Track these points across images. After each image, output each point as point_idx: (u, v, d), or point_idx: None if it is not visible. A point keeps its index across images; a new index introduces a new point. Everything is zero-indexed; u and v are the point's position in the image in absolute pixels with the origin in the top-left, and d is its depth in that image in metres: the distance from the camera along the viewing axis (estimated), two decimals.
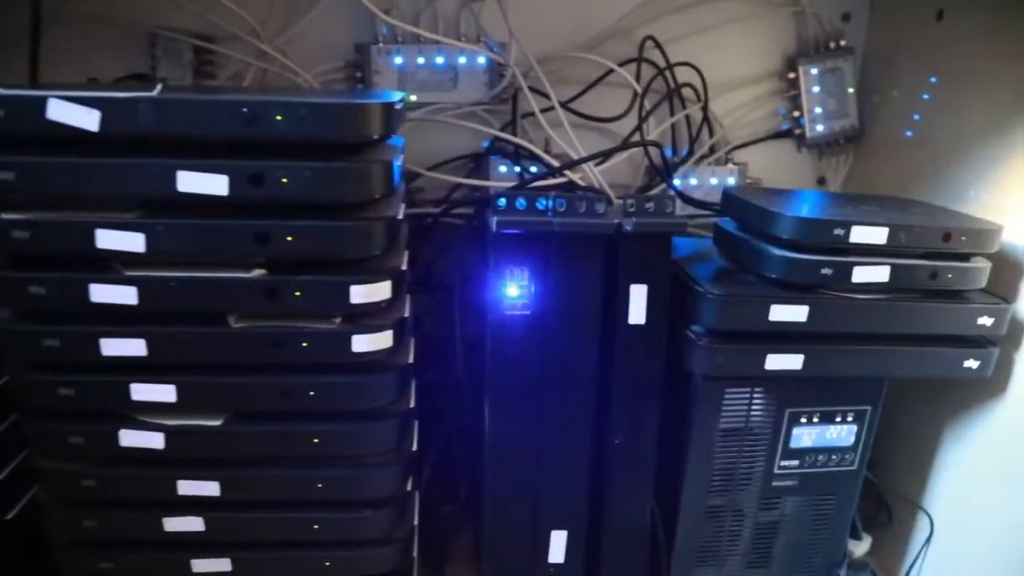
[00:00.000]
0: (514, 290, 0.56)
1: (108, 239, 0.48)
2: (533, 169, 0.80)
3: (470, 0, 0.78)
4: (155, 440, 0.54)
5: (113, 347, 0.51)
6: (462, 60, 0.81)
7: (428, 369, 0.66)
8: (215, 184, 0.47)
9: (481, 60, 0.81)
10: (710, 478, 0.65)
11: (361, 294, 0.51)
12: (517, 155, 0.81)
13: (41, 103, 0.46)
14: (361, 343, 0.53)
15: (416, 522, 0.63)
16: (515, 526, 0.63)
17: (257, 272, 0.51)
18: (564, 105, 0.78)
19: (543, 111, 0.79)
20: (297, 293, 0.50)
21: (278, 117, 0.46)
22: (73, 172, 0.47)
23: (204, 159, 0.47)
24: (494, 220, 0.54)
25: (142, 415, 0.54)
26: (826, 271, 0.58)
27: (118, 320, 0.51)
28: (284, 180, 0.48)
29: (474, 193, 0.83)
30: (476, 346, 0.64)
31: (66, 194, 0.48)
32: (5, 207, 0.49)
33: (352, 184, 0.49)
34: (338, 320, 0.53)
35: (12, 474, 0.61)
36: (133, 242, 0.49)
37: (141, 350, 0.52)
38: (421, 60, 0.81)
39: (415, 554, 0.64)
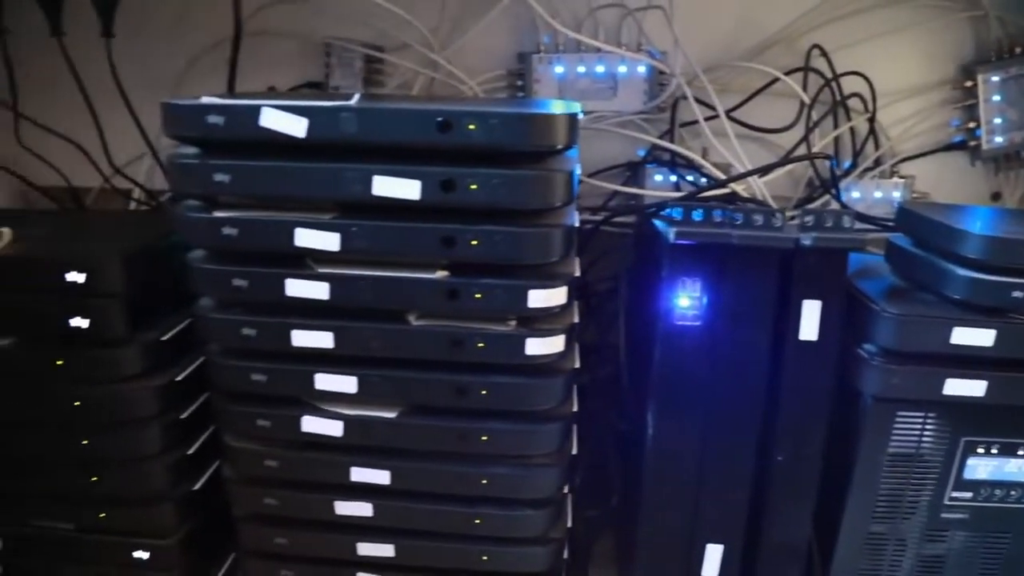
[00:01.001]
0: (686, 301, 0.56)
1: (306, 237, 0.52)
2: (691, 179, 0.80)
3: (633, 9, 0.79)
4: (334, 428, 0.57)
5: (303, 338, 0.55)
6: (622, 69, 0.82)
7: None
8: (408, 189, 0.50)
9: (641, 69, 0.82)
10: (874, 504, 0.62)
11: (539, 299, 0.52)
12: (674, 164, 0.81)
13: (255, 112, 0.49)
14: (535, 346, 0.54)
15: (570, 524, 0.64)
16: (670, 537, 0.62)
17: (440, 273, 0.53)
18: (729, 115, 0.77)
19: (692, 123, 0.79)
20: (477, 295, 0.52)
21: (471, 126, 0.48)
22: (280, 175, 0.51)
23: (399, 164, 0.50)
24: (672, 231, 0.54)
25: (324, 403, 0.58)
26: (1018, 294, 0.55)
27: (309, 313, 0.55)
28: (473, 186, 0.49)
29: (628, 202, 0.84)
30: (633, 353, 0.64)
31: (272, 195, 0.52)
32: (217, 206, 0.53)
33: (537, 191, 0.50)
34: (513, 323, 0.54)
35: (199, 449, 0.66)
36: (329, 241, 0.52)
37: (328, 342, 0.55)
38: (581, 69, 0.82)
39: (565, 555, 0.65)
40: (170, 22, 0.86)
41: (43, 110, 0.79)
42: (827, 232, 0.54)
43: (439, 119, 0.48)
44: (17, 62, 0.76)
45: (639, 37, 0.81)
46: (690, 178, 0.81)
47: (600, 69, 0.82)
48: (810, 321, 0.57)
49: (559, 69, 0.82)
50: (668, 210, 0.61)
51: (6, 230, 0.61)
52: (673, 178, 0.82)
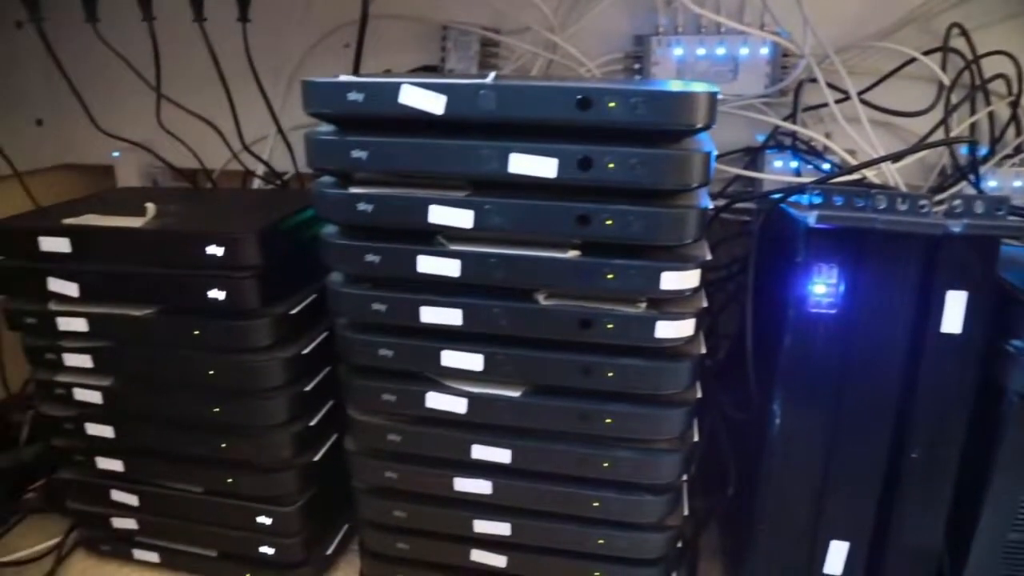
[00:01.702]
0: (821, 288, 0.54)
1: (440, 214, 0.52)
2: (812, 165, 0.77)
3: None
4: (458, 405, 0.58)
5: (432, 315, 0.55)
6: (744, 51, 0.80)
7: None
8: (545, 166, 0.50)
9: (764, 51, 0.79)
10: (1015, 510, 0.59)
11: (672, 281, 0.51)
12: (795, 149, 0.79)
13: (395, 89, 0.50)
14: (665, 329, 0.53)
15: (686, 512, 0.63)
16: (791, 531, 0.61)
17: (572, 253, 0.52)
18: (861, 97, 0.74)
19: (822, 106, 0.76)
20: (609, 276, 0.52)
21: (611, 104, 0.48)
22: (417, 152, 0.51)
23: (536, 142, 0.49)
24: (813, 214, 0.52)
25: (449, 380, 0.58)
26: None
27: (438, 290, 0.55)
28: (611, 165, 0.49)
29: (746, 188, 0.82)
30: (759, 342, 0.63)
31: (408, 171, 0.52)
32: (351, 182, 0.54)
33: (676, 171, 0.49)
34: (643, 305, 0.54)
35: (320, 421, 0.68)
36: (463, 218, 0.52)
37: (457, 319, 0.55)
38: (701, 51, 0.80)
39: (679, 544, 0.64)
40: (295, 8, 0.88)
41: (179, 94, 0.82)
42: (980, 219, 0.52)
43: (579, 97, 0.48)
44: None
45: (763, 17, 0.79)
46: (811, 164, 0.78)
47: (721, 51, 0.80)
48: (954, 313, 0.54)
49: (678, 51, 0.81)
50: (799, 195, 0.59)
51: (150, 205, 0.64)
52: (794, 164, 0.80)
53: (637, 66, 0.82)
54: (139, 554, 0.74)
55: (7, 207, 0.74)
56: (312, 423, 0.67)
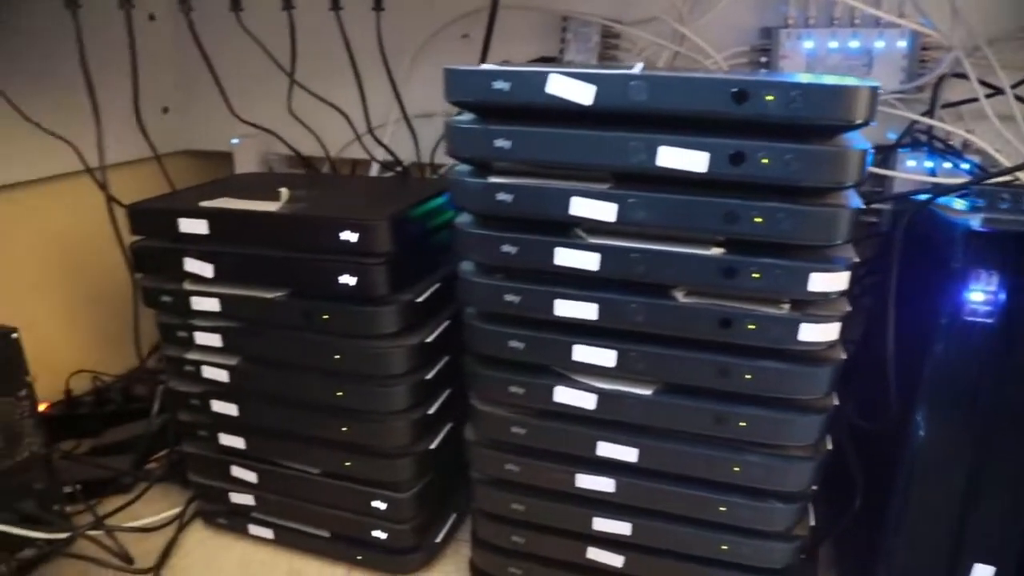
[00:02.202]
0: (979, 296, 0.51)
1: (582, 207, 0.51)
2: (948, 165, 0.74)
3: None
4: (587, 401, 0.57)
5: (566, 308, 0.55)
6: (879, 44, 0.76)
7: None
8: (695, 160, 0.48)
9: (901, 43, 0.76)
10: None
11: (821, 282, 0.49)
12: (931, 147, 0.75)
13: (542, 78, 0.49)
14: (809, 332, 0.51)
15: (812, 523, 0.61)
16: (930, 550, 0.58)
17: (716, 250, 0.51)
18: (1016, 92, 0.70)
19: (966, 102, 0.72)
20: (755, 275, 0.50)
21: (768, 97, 0.46)
22: (562, 142, 0.51)
23: (687, 135, 0.48)
24: (978, 217, 0.49)
25: (579, 375, 0.57)
26: None
27: (574, 283, 0.54)
28: (764, 160, 0.47)
29: (874, 188, 0.78)
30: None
31: (551, 162, 0.52)
32: (490, 172, 0.54)
33: (832, 169, 0.47)
34: (786, 306, 0.52)
35: (438, 409, 0.68)
36: (605, 211, 0.51)
37: (592, 314, 0.54)
38: (833, 44, 0.77)
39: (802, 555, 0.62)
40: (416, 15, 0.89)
41: (305, 81, 0.83)
42: None
43: (735, 89, 0.46)
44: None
45: (900, 7, 0.75)
46: (947, 164, 0.75)
47: (854, 44, 0.77)
48: None
49: (808, 44, 0.78)
50: (949, 197, 0.56)
51: (284, 190, 0.65)
52: (929, 163, 0.76)
53: (764, 59, 0.79)
54: (254, 529, 0.76)
55: (141, 188, 0.77)
56: (431, 411, 0.67)
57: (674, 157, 0.48)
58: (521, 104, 0.51)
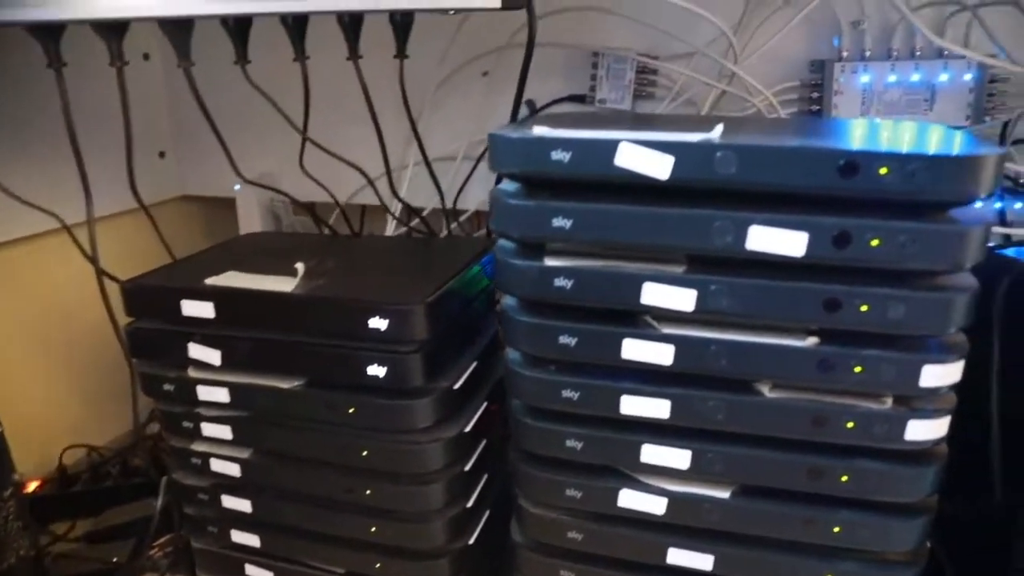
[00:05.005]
0: None
1: (656, 294, 0.45)
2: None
3: (973, 5, 0.66)
4: (656, 505, 0.50)
5: (634, 406, 0.48)
6: (943, 77, 0.70)
7: None
8: (792, 243, 0.41)
9: (967, 76, 0.69)
10: None
11: (934, 376, 0.43)
12: (1002, 190, 0.69)
13: (611, 148, 0.43)
14: (918, 430, 0.44)
15: None
16: None
17: (811, 340, 0.44)
18: None
19: None
20: (857, 368, 0.43)
21: (882, 170, 0.39)
22: (634, 222, 0.44)
23: (781, 213, 0.41)
24: None
25: (647, 477, 0.50)
26: None
27: (644, 378, 0.47)
28: (875, 242, 0.40)
29: None
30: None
31: (622, 244, 0.45)
32: (544, 251, 0.47)
33: (953, 250, 0.40)
34: (889, 400, 0.45)
35: (476, 499, 0.61)
36: (683, 300, 0.44)
37: (663, 412, 0.47)
38: (892, 78, 0.71)
39: None
40: (441, 38, 0.82)
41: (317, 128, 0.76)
42: None
43: (842, 161, 0.39)
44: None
45: (966, 40, 0.69)
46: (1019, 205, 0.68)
47: (915, 77, 0.70)
48: None
49: (864, 79, 0.71)
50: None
51: (300, 265, 0.58)
52: (997, 206, 0.70)
53: (815, 95, 0.73)
54: None
55: (132, 241, 0.69)
56: (468, 504, 0.60)
57: (768, 239, 0.42)
58: (583, 178, 0.44)
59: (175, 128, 0.98)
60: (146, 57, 0.90)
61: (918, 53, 0.70)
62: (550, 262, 0.46)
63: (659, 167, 0.42)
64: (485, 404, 0.61)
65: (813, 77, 0.73)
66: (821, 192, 0.40)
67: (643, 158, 0.42)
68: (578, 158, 0.43)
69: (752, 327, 0.45)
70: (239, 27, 0.59)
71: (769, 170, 0.41)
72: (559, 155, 0.44)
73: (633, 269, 0.45)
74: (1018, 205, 0.70)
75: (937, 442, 0.46)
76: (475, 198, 0.87)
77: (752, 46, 0.73)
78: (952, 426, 0.45)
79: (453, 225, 0.85)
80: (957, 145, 0.42)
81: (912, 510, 0.48)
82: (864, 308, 0.42)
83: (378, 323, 0.52)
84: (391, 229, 0.85)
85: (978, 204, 0.41)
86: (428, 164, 0.71)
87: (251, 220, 0.96)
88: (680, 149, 0.42)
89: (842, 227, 0.41)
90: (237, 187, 0.91)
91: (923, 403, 0.45)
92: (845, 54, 0.72)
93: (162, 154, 0.97)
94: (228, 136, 0.74)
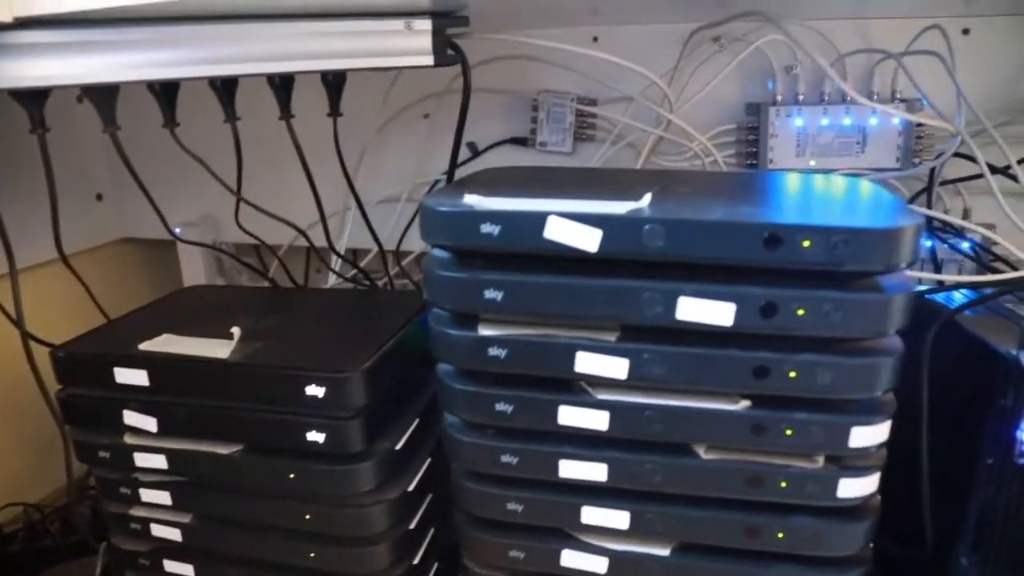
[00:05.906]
0: None
1: (589, 363, 0.45)
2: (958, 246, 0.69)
3: (899, 54, 0.68)
4: (598, 564, 0.50)
5: (572, 469, 0.48)
6: (873, 121, 0.72)
7: None
8: (719, 313, 0.42)
9: (896, 121, 0.71)
10: None
11: (862, 437, 0.44)
12: (930, 229, 0.71)
13: (540, 221, 0.43)
14: (850, 488, 0.45)
15: None
16: None
17: (742, 404, 0.45)
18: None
19: (970, 178, 0.69)
20: (788, 432, 0.44)
21: (805, 243, 0.40)
22: (565, 294, 0.44)
23: (709, 283, 0.42)
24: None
25: (588, 537, 0.51)
26: None
27: (581, 443, 0.48)
28: (800, 311, 0.41)
29: None
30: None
31: (552, 316, 0.45)
32: (477, 320, 0.47)
33: (877, 318, 0.41)
34: (820, 459, 0.46)
35: (423, 556, 0.61)
36: (616, 368, 0.45)
37: (601, 475, 0.48)
38: (825, 121, 0.72)
39: None
40: (378, 89, 0.81)
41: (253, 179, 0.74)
42: None
43: (766, 235, 0.40)
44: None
45: (893, 85, 0.71)
46: (950, 247, 0.70)
47: (847, 121, 0.72)
48: None
49: (799, 122, 0.73)
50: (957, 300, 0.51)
51: (236, 329, 0.57)
52: (928, 243, 0.72)
53: (751, 137, 0.74)
54: None
55: (66, 289, 0.67)
56: (415, 562, 0.59)
57: (697, 310, 0.42)
58: (513, 250, 0.44)
59: (114, 169, 0.96)
60: (80, 100, 0.87)
61: (849, 98, 0.72)
62: (484, 331, 0.46)
63: (588, 240, 0.42)
64: (429, 460, 0.60)
65: (749, 120, 0.74)
66: (747, 263, 0.41)
67: (571, 232, 0.42)
68: (507, 232, 0.43)
69: (686, 392, 0.46)
70: (165, 91, 0.58)
71: (696, 243, 0.41)
72: (488, 228, 0.44)
73: (566, 338, 0.45)
74: (945, 247, 0.72)
75: (869, 497, 0.47)
76: (420, 240, 0.87)
77: (689, 91, 0.74)
78: (885, 469, 0.46)
79: (395, 270, 0.84)
80: (881, 212, 0.44)
81: (848, 562, 0.49)
82: (792, 374, 0.43)
83: (315, 390, 0.52)
84: (332, 279, 0.84)
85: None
86: (365, 216, 0.71)
87: (193, 263, 0.95)
88: (608, 223, 0.42)
89: (768, 297, 0.41)
90: (178, 230, 0.90)
91: (854, 461, 0.46)
92: (779, 98, 0.73)
93: (99, 196, 0.95)
94: (169, 178, 0.73)
